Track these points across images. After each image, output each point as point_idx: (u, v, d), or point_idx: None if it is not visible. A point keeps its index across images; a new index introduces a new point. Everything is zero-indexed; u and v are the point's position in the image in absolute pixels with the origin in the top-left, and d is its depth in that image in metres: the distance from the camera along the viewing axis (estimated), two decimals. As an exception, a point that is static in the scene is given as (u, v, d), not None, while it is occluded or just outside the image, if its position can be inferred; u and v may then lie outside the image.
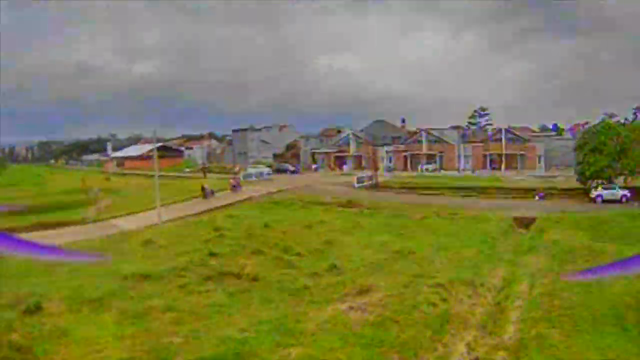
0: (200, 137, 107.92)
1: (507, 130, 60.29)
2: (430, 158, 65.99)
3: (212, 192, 42.70)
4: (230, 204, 38.80)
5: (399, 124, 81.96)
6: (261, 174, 57.31)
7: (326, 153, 75.28)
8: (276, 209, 36.92)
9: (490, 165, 60.48)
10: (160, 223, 30.12)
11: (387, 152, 69.41)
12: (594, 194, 37.45)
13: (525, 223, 29.71)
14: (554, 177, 50.01)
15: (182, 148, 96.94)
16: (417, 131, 69.89)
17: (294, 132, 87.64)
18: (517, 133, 60.95)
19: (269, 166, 65.01)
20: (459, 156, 63.04)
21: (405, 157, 68.02)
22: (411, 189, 47.43)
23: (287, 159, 77.56)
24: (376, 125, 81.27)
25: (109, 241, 25.79)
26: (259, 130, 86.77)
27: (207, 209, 36.57)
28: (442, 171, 61.24)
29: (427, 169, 63.21)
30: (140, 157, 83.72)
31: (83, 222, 31.30)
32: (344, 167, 71.04)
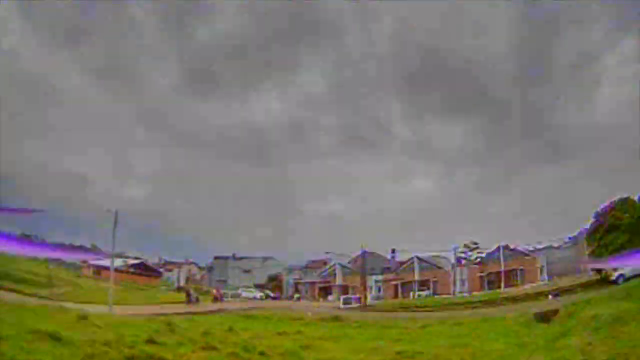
0: (180, 264, 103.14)
1: (504, 247, 57.03)
2: (423, 285, 61.12)
3: (197, 299, 41.25)
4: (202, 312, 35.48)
5: (388, 254, 78.30)
6: (254, 297, 56.79)
7: (310, 283, 70.67)
8: (250, 320, 32.04)
9: (488, 285, 55.68)
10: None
11: (375, 281, 64.50)
12: (614, 275, 33.51)
13: (547, 316, 25.18)
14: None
15: (161, 269, 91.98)
16: (409, 260, 66.17)
17: (277, 264, 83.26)
18: (515, 247, 57.59)
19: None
20: (453, 280, 58.48)
21: (395, 285, 63.02)
22: (404, 308, 42.50)
23: (270, 289, 72.15)
24: (364, 256, 77.48)
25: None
26: (241, 259, 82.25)
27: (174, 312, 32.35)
28: (436, 296, 56.16)
29: (419, 295, 58.00)
30: (117, 269, 77.86)
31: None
32: (329, 297, 65.34)
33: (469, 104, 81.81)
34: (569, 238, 55.80)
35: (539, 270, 52.87)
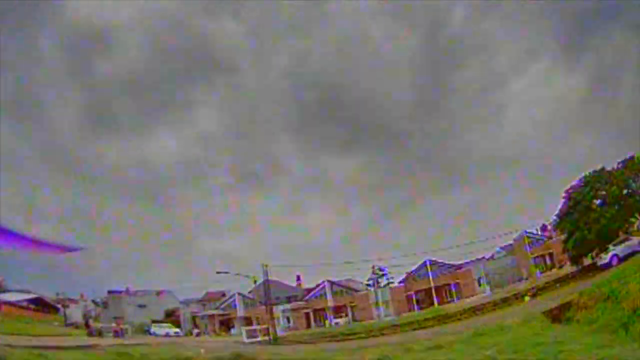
0: (76, 300, 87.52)
1: (432, 261, 49.67)
2: (339, 311, 51.55)
3: (100, 333, 37.68)
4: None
5: (294, 282, 67.76)
6: (167, 333, 48.49)
7: (209, 316, 58.60)
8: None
9: (418, 305, 47.64)
10: None
11: (282, 311, 53.55)
12: (605, 257, 28.30)
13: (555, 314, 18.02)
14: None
15: (59, 305, 75.96)
16: (318, 285, 56.25)
17: (172, 297, 71.43)
18: (444, 261, 50.46)
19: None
20: (375, 303, 49.53)
21: (307, 314, 52.80)
22: (332, 336, 32.91)
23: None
24: (267, 285, 66.07)
25: None
26: (135, 294, 70.38)
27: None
28: (354, 323, 46.99)
29: (337, 324, 48.21)
30: (13, 304, 63.45)
31: None
32: (232, 330, 53.00)
33: (367, 136, 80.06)
34: (500, 248, 50.82)
35: (476, 283, 46.21)
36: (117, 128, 79.01)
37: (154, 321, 57.62)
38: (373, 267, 47.59)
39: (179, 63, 79.98)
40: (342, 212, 78.93)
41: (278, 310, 53.52)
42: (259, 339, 38.51)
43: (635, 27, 66.54)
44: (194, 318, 60.86)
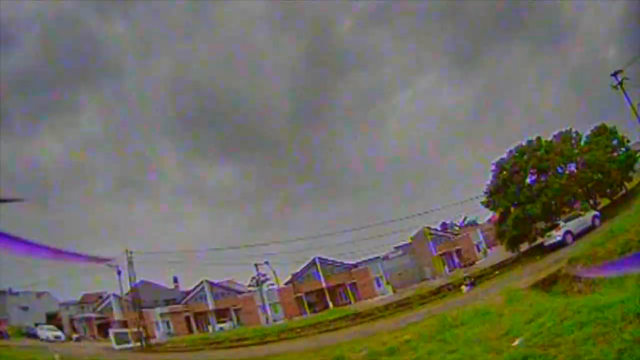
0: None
1: (321, 260, 48.48)
2: (222, 315, 48.71)
3: None
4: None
5: (171, 284, 63.17)
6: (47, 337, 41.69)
7: (87, 319, 52.37)
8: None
9: (310, 307, 46.65)
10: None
11: (161, 315, 49.32)
12: (553, 236, 25.52)
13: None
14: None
15: None
16: (197, 286, 52.89)
17: (52, 299, 62.98)
18: (336, 260, 49.09)
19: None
20: (262, 306, 47.76)
21: (187, 317, 49.02)
22: (216, 343, 30.52)
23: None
24: (142, 287, 60.50)
25: None
26: (17, 294, 60.49)
27: None
28: (240, 328, 44.64)
29: (221, 328, 45.63)
30: None
31: None
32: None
33: (244, 145, 79.55)
34: (395, 248, 51.09)
35: (375, 283, 45.82)
36: (7, 126, 69.01)
37: (36, 324, 51.49)
38: (256, 266, 45.33)
39: (68, 64, 73.58)
40: (217, 220, 77.89)
41: (156, 313, 49.22)
42: (130, 344, 34.79)
43: (529, 44, 69.01)
44: (71, 321, 54.08)
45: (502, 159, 30.71)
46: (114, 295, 51.64)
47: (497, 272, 29.50)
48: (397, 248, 50.86)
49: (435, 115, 76.80)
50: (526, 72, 73.32)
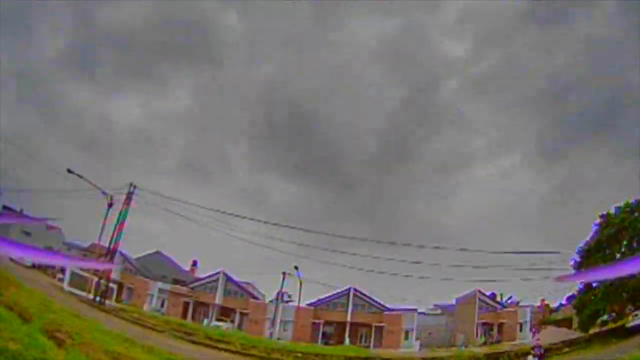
0: None
1: (356, 291, 40.20)
2: (225, 314, 41.66)
3: None
4: None
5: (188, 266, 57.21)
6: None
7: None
8: None
9: (324, 337, 38.35)
10: None
11: (159, 289, 43.09)
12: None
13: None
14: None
15: None
16: (213, 274, 46.15)
17: (61, 235, 58.77)
18: (372, 298, 40.81)
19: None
20: (271, 319, 40.00)
21: (186, 303, 42.54)
22: (213, 340, 23.81)
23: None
24: (153, 258, 55.08)
25: None
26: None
27: None
28: (237, 332, 37.14)
29: (217, 326, 38.25)
30: None
31: None
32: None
33: (318, 170, 77.02)
34: (435, 305, 42.99)
35: (403, 333, 37.59)
36: (92, 78, 72.92)
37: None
38: (284, 275, 38.02)
39: (172, 37, 75.34)
40: (270, 233, 73.53)
41: (155, 287, 43.12)
42: (85, 294, 29.40)
43: (617, 149, 65.62)
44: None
45: (607, 213, 25.46)
46: (122, 254, 46.36)
47: (566, 349, 24.71)
48: (436, 306, 44.65)
49: (510, 198, 70.52)
50: (607, 176, 66.45)
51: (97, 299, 30.33)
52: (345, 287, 40.78)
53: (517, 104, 72.84)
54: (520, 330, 39.99)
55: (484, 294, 41.21)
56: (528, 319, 40.41)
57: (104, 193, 30.57)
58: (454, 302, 41.88)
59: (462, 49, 75.03)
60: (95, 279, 31.61)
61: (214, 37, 75.22)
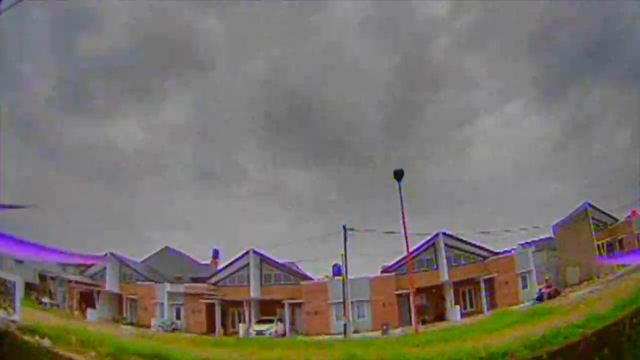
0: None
1: (446, 236, 27.85)
2: (268, 310, 28.79)
3: None
4: None
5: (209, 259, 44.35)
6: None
7: (68, 283, 33.22)
8: None
9: (418, 313, 25.16)
10: None
11: (169, 294, 30.15)
12: None
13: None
14: None
15: None
16: (238, 258, 32.87)
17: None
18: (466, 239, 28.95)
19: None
20: (335, 305, 26.63)
21: (210, 306, 29.56)
22: None
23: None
24: (163, 256, 42.32)
25: None
26: None
27: None
28: (296, 336, 24.39)
29: (261, 333, 25.29)
30: None
31: None
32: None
33: (330, 153, 71.14)
34: (524, 243, 30.82)
35: (520, 280, 26.30)
36: (88, 107, 65.97)
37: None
38: (345, 231, 24.65)
39: (156, 52, 71.00)
40: (293, 224, 68.60)
41: (162, 292, 30.22)
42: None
43: (618, 83, 58.93)
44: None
45: None
46: (112, 254, 33.28)
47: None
48: (526, 243, 34.69)
49: (519, 144, 66.37)
50: (612, 104, 61.49)
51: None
52: (432, 234, 27.78)
53: (509, 50, 71.92)
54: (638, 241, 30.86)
55: (595, 208, 31.83)
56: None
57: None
58: (551, 231, 31.93)
59: (444, 5, 71.31)
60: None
61: (199, 43, 71.49)
